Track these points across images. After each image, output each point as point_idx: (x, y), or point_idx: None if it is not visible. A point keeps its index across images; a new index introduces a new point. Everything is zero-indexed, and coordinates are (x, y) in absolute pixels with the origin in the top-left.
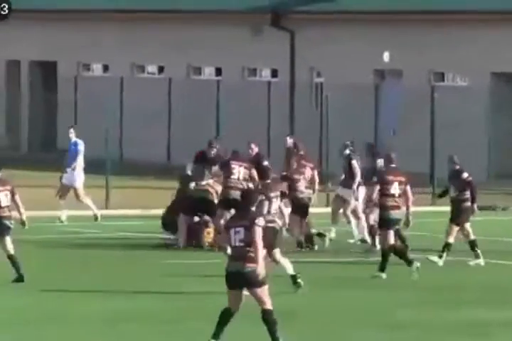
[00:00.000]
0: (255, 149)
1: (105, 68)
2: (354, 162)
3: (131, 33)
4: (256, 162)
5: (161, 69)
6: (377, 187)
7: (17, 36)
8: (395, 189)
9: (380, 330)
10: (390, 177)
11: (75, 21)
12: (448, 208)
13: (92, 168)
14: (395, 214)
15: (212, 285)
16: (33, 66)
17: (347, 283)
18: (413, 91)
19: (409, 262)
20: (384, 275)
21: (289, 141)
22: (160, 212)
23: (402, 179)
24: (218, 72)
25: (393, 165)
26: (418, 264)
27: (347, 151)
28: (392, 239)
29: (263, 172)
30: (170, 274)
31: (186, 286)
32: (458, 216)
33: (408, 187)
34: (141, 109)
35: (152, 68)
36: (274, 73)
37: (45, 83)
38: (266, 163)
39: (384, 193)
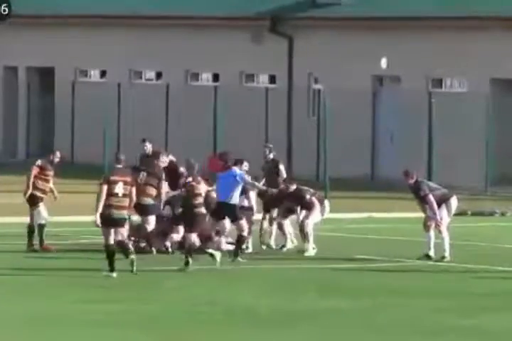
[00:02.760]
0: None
1: (103, 74)
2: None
3: (128, 38)
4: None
5: (158, 75)
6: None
7: (14, 42)
8: (119, 188)
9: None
10: (115, 178)
11: (72, 27)
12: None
13: (89, 173)
14: (118, 213)
15: (207, 288)
16: (30, 72)
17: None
18: (411, 97)
19: (112, 268)
20: (114, 274)
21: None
22: None
23: (128, 179)
24: (216, 77)
25: (119, 166)
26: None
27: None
28: (111, 238)
29: None
30: (166, 278)
31: (180, 290)
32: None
33: (133, 189)
34: (139, 115)
35: (150, 74)
36: (272, 79)
37: (42, 89)
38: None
39: (108, 193)
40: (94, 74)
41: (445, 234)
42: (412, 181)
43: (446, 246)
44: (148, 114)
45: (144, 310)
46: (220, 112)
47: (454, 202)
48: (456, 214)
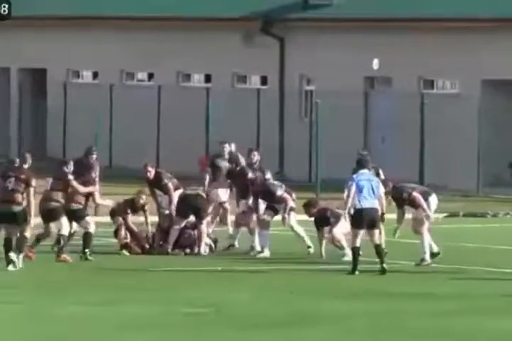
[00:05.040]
0: (152, 171)
1: (95, 75)
2: None
3: (120, 40)
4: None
5: (150, 76)
6: None
7: (6, 43)
8: None
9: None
10: None
11: (64, 28)
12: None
13: None
14: None
15: (212, 292)
16: (22, 73)
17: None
18: (403, 98)
19: None
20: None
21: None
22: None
23: None
24: (208, 78)
25: None
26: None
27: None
28: None
29: None
30: (162, 280)
31: (182, 293)
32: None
33: None
34: (131, 116)
35: (142, 75)
36: (264, 80)
37: (34, 90)
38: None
39: None
40: (87, 76)
41: (425, 236)
42: (389, 189)
43: (426, 248)
44: (140, 115)
45: (142, 311)
46: (211, 113)
47: (433, 200)
48: (448, 216)
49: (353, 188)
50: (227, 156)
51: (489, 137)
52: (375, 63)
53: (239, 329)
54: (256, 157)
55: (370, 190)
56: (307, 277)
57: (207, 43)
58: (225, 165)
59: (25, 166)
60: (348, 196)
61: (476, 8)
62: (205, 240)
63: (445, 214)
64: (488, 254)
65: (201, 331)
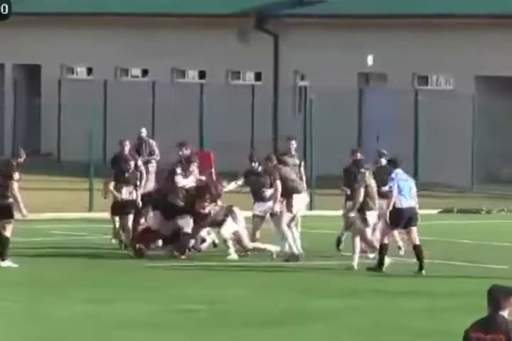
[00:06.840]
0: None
1: (89, 71)
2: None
3: (115, 36)
4: None
5: (144, 73)
6: None
7: (0, 39)
8: None
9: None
10: None
11: (58, 24)
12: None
13: (76, 170)
14: None
15: (207, 289)
16: (17, 69)
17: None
18: (397, 94)
19: None
20: None
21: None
22: None
23: None
24: (202, 75)
25: None
26: None
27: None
28: None
29: None
30: (159, 278)
31: (180, 291)
32: None
33: None
34: (125, 112)
35: (136, 71)
36: (258, 76)
37: (29, 86)
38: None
39: None
40: (81, 72)
41: (284, 231)
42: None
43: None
44: (134, 111)
45: (141, 309)
46: (206, 109)
47: (296, 199)
48: (442, 211)
49: (395, 188)
50: (294, 153)
51: (483, 133)
52: (370, 59)
53: (236, 327)
54: (294, 146)
55: (408, 190)
56: (304, 274)
57: (201, 40)
58: (293, 162)
59: (15, 160)
60: (392, 196)
61: (470, 4)
62: (206, 236)
63: (439, 210)
64: (482, 251)
65: (199, 329)
